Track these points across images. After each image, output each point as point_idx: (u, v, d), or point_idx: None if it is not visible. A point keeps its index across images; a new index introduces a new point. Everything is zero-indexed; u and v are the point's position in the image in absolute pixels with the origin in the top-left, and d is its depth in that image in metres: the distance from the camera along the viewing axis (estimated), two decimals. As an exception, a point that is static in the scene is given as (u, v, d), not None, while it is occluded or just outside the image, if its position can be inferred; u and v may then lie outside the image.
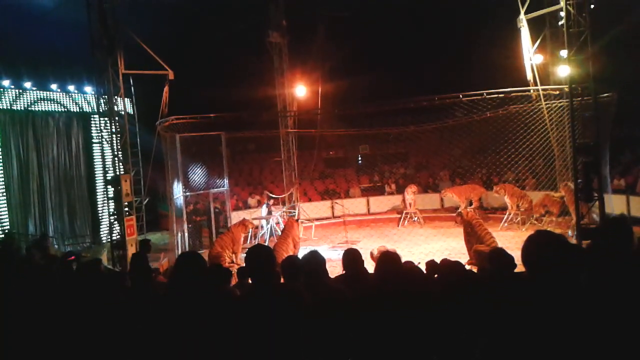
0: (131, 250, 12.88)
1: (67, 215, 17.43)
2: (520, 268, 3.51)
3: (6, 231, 15.29)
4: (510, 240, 13.62)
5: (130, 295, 4.84)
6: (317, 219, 20.08)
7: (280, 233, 14.92)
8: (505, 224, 16.48)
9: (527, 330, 2.55)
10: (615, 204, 14.44)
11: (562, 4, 11.98)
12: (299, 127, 19.68)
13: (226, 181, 18.01)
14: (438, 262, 6.36)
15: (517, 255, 3.81)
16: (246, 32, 19.38)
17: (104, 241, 16.98)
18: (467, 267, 10.29)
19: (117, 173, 13.33)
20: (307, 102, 19.73)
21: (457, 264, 4.47)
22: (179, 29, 20.88)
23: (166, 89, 14.51)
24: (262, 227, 17.53)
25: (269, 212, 17.89)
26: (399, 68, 24.40)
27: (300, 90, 19.33)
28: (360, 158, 28.07)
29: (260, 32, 18.55)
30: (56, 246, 15.52)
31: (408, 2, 23.23)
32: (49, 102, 17.06)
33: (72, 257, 8.50)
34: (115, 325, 3.80)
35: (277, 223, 17.58)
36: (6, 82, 15.96)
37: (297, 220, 14.56)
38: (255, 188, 23.43)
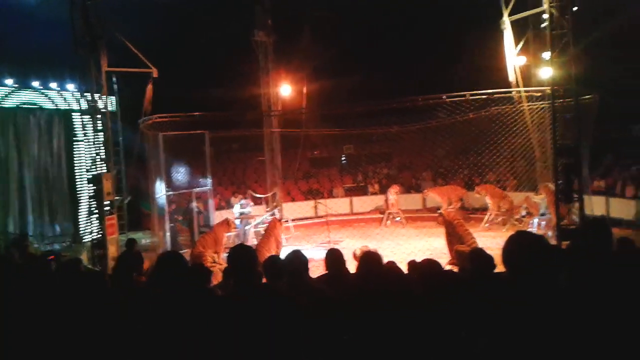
0: (112, 249, 12.78)
1: (47, 214, 17.21)
2: (500, 268, 3.54)
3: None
4: (491, 240, 13.71)
5: (111, 296, 4.80)
6: (300, 219, 20.09)
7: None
8: (486, 225, 16.61)
9: (507, 331, 2.57)
10: (595, 205, 14.61)
11: (545, 6, 12.09)
12: (283, 127, 19.64)
13: (209, 180, 17.92)
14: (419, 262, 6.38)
15: (497, 255, 3.85)
16: (232, 30, 19.31)
17: (85, 240, 16.81)
18: (448, 267, 10.38)
19: (99, 171, 13.21)
20: (292, 101, 19.71)
21: (434, 264, 4.50)
22: (163, 27, 20.73)
23: (149, 86, 14.39)
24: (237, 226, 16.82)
25: (243, 211, 17.57)
26: (384, 69, 24.49)
27: (285, 90, 19.30)
28: (344, 158, 28.13)
29: (246, 31, 18.49)
30: (36, 245, 15.32)
31: (392, 4, 23.30)
32: (30, 99, 16.84)
33: (52, 257, 8.41)
34: (94, 325, 3.77)
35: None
36: (-14, 79, 15.76)
37: (279, 220, 14.53)
38: (239, 187, 23.37)
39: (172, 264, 3.56)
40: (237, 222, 16.94)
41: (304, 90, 18.81)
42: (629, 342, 2.59)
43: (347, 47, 23.63)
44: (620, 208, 15.65)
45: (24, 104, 16.65)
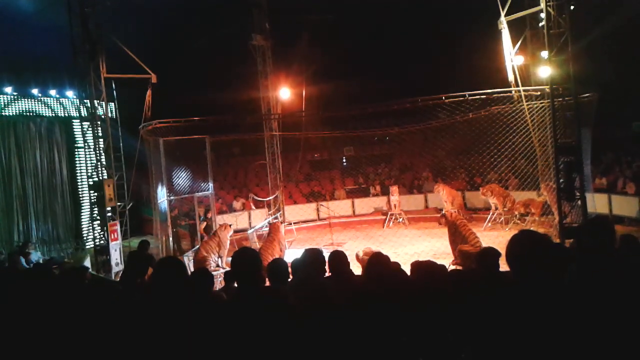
0: (114, 255, 12.79)
1: (50, 221, 17.22)
2: (504, 267, 3.54)
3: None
4: (494, 240, 13.70)
5: (115, 301, 4.80)
6: (303, 221, 20.10)
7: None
8: (489, 224, 16.60)
9: (513, 331, 2.57)
10: (597, 203, 14.60)
11: (543, 5, 12.09)
12: (283, 130, 19.64)
13: (211, 185, 17.91)
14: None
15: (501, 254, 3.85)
16: (230, 35, 19.33)
17: (88, 247, 16.81)
18: (452, 267, 10.37)
19: (100, 178, 13.22)
20: (292, 104, 19.70)
21: (438, 266, 4.49)
22: (162, 32, 20.77)
23: (149, 92, 14.40)
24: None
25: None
26: (383, 70, 24.50)
27: (285, 93, 19.29)
28: (344, 160, 28.12)
29: (243, 35, 18.49)
30: (39, 252, 15.32)
31: (391, 5, 23.32)
32: (30, 106, 16.86)
33: (55, 266, 8.41)
34: (98, 331, 3.77)
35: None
36: (-14, 87, 15.79)
37: (282, 223, 14.52)
38: (240, 191, 23.37)
39: (171, 270, 3.56)
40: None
41: (303, 93, 18.80)
42: (633, 339, 2.59)
43: (346, 49, 23.66)
44: (623, 205, 15.62)
45: (24, 111, 16.68)
